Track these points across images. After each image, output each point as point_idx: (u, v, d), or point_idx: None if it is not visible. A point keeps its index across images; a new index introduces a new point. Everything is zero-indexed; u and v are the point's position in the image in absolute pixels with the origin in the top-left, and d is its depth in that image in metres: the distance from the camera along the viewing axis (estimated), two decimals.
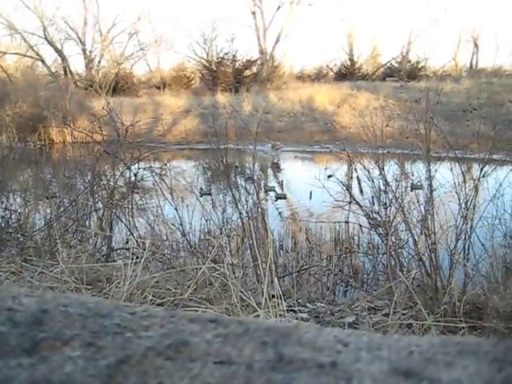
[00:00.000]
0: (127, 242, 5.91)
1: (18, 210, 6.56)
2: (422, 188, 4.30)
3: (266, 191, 9.48)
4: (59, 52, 27.12)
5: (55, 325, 0.67)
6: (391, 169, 5.24)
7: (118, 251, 5.19)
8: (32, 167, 11.62)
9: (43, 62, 26.89)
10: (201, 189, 9.12)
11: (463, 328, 2.83)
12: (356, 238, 5.03)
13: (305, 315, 3.33)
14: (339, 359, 0.59)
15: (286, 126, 19.84)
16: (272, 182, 10.21)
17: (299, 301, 3.61)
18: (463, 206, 3.57)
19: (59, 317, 0.69)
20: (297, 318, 3.19)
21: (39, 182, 9.72)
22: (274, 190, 9.58)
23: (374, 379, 0.54)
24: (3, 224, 5.98)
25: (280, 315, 3.19)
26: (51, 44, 26.84)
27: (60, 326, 0.67)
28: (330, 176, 6.00)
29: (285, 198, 9.28)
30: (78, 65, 31.44)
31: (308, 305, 3.56)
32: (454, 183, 3.74)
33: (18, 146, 16.06)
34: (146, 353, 0.61)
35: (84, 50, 27.62)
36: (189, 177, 10.28)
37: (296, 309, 3.45)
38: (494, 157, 4.19)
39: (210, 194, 8.36)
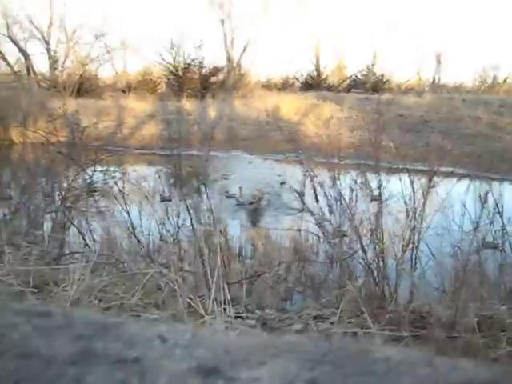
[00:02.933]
0: (82, 246, 5.82)
1: None
2: (375, 199, 4.36)
3: (227, 197, 9.47)
4: (23, 51, 26.65)
5: None
6: (347, 179, 5.30)
7: (70, 255, 5.09)
8: None
9: (6, 60, 26.39)
10: (160, 195, 9.06)
11: (406, 337, 2.86)
12: (313, 246, 5.05)
13: (252, 322, 3.32)
14: (147, 355, 0.58)
15: (251, 134, 19.87)
16: (233, 189, 10.21)
17: (248, 307, 3.60)
18: (411, 215, 3.62)
19: None
20: (244, 325, 3.17)
21: None
22: (234, 197, 9.58)
23: (171, 376, 0.54)
24: None
25: (227, 321, 3.17)
26: (15, 43, 26.38)
27: None
28: (282, 183, 6.04)
29: (243, 204, 9.29)
30: (41, 65, 30.93)
31: (257, 312, 3.55)
32: (404, 194, 3.79)
33: None
34: None
35: (48, 50, 27.21)
36: (149, 182, 10.21)
37: (244, 315, 3.43)
38: (445, 169, 4.27)
39: (170, 200, 8.31)
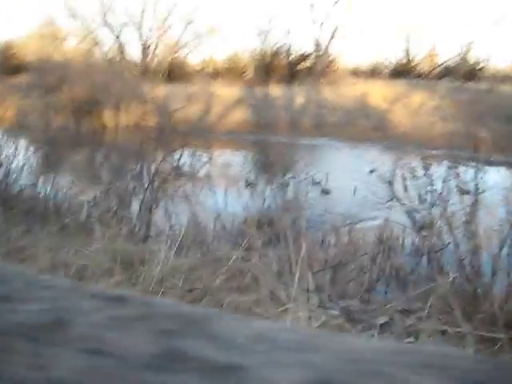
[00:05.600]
0: (168, 228, 5.93)
1: (65, 189, 6.69)
2: (470, 192, 4.12)
3: (312, 184, 9.37)
4: (117, 38, 27.59)
5: None
6: (439, 169, 5.06)
7: (155, 236, 5.20)
8: (83, 148, 11.88)
9: (101, 47, 27.43)
10: (246, 180, 9.09)
11: (501, 339, 2.68)
12: (398, 237, 4.88)
13: (336, 312, 3.23)
14: (249, 362, 0.45)
15: (338, 121, 19.60)
16: (318, 176, 10.10)
17: (332, 297, 3.52)
18: (511, 210, 3.39)
19: None
20: (327, 315, 3.10)
21: (88, 162, 9.94)
22: (320, 184, 9.47)
23: None
24: (49, 202, 6.10)
25: (310, 310, 3.11)
26: (109, 29, 27.35)
27: None
28: (372, 171, 5.85)
29: (328, 193, 9.18)
30: (134, 51, 31.89)
31: (340, 302, 3.46)
32: (502, 187, 3.57)
33: (72, 127, 16.46)
34: (11, 330, 0.49)
35: (140, 37, 28.01)
36: (235, 167, 10.29)
37: (327, 305, 3.36)
38: None
39: (255, 186, 8.31)
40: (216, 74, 26.52)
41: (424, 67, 29.42)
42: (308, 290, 3.28)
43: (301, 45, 28.54)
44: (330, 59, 28.55)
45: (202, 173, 7.74)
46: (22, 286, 0.57)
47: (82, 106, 18.06)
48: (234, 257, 3.49)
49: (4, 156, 6.98)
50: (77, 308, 0.54)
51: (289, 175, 8.57)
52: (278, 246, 4.77)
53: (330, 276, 3.96)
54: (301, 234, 4.21)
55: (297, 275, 3.32)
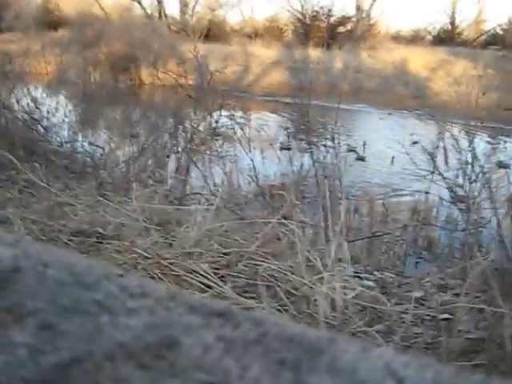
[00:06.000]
0: (202, 188, 5.94)
1: (102, 146, 6.74)
2: (509, 166, 4.02)
3: (348, 151, 9.25)
4: None
5: (20, 290, 0.49)
6: (481, 142, 4.94)
7: (192, 196, 5.22)
8: (120, 105, 11.93)
9: (140, 3, 27.25)
10: (281, 143, 9.03)
11: None
12: (435, 210, 4.81)
13: (371, 283, 3.22)
14: None
15: (377, 87, 19.25)
16: (354, 143, 9.97)
17: (367, 268, 3.51)
18: None
19: (31, 280, 0.51)
20: (362, 286, 3.09)
21: (125, 120, 9.98)
22: (355, 151, 9.34)
23: None
24: (86, 158, 6.16)
25: (345, 280, 3.10)
26: None
27: (24, 294, 0.49)
28: (414, 143, 5.74)
29: (363, 160, 9.04)
30: (173, 8, 31.61)
31: (375, 273, 3.45)
32: None
33: (110, 83, 16.51)
34: (114, 352, 0.42)
35: None
36: (272, 129, 10.22)
37: (362, 276, 3.35)
38: None
39: (289, 149, 8.25)
40: (255, 35, 26.19)
41: (469, 34, 28.53)
42: (343, 260, 3.27)
43: (342, 7, 27.94)
44: (370, 23, 27.90)
45: (238, 134, 7.69)
46: (117, 291, 0.50)
47: (120, 63, 18.07)
48: (271, 222, 3.48)
49: (44, 111, 7.05)
50: (182, 324, 0.47)
51: (325, 140, 8.47)
52: (314, 212, 4.75)
53: (366, 246, 3.94)
54: (337, 202, 4.19)
55: (333, 244, 3.31)
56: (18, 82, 7.34)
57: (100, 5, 24.41)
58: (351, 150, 9.37)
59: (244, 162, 6.48)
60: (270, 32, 26.60)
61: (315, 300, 2.76)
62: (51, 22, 24.77)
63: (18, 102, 6.73)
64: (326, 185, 4.41)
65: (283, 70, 19.87)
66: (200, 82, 8.88)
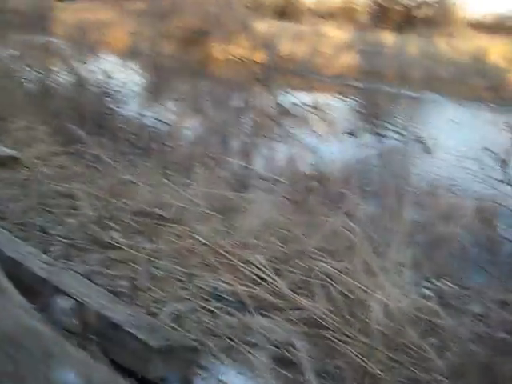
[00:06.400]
0: (265, 174, 5.91)
1: (168, 122, 6.81)
2: None
3: (415, 141, 8.99)
4: None
5: None
6: None
7: (254, 182, 5.21)
8: (190, 80, 11.99)
9: None
10: (348, 129, 8.89)
11: None
12: (503, 220, 4.62)
13: (427, 292, 3.15)
14: None
15: (449, 76, 18.62)
16: (422, 133, 9.69)
17: (425, 274, 3.42)
18: None
19: None
20: (418, 294, 3.02)
21: (194, 95, 10.04)
22: (423, 142, 9.08)
23: None
24: (153, 134, 6.25)
25: (401, 286, 3.04)
26: None
27: None
28: (486, 149, 5.51)
29: (430, 152, 8.75)
30: None
31: (434, 281, 3.36)
32: None
33: (181, 57, 16.65)
34: None
35: None
36: (339, 113, 10.04)
37: (420, 282, 3.28)
38: None
39: (356, 135, 8.11)
40: (329, 15, 25.75)
41: None
42: (402, 263, 3.19)
43: None
44: (449, 9, 26.91)
45: (304, 115, 7.61)
46: None
47: (191, 36, 18.18)
48: (332, 219, 3.44)
49: (115, 83, 7.17)
50: None
51: (392, 128, 8.29)
52: (375, 206, 4.65)
53: (425, 250, 3.84)
54: (401, 197, 4.09)
55: (393, 246, 3.25)
56: (92, 53, 7.50)
57: None
58: (419, 140, 9.12)
59: (309, 146, 6.40)
60: (345, 13, 26.10)
61: (369, 305, 2.72)
62: None
63: (90, 73, 6.87)
64: (390, 178, 4.32)
65: (354, 53, 19.50)
66: (269, 60, 8.83)
